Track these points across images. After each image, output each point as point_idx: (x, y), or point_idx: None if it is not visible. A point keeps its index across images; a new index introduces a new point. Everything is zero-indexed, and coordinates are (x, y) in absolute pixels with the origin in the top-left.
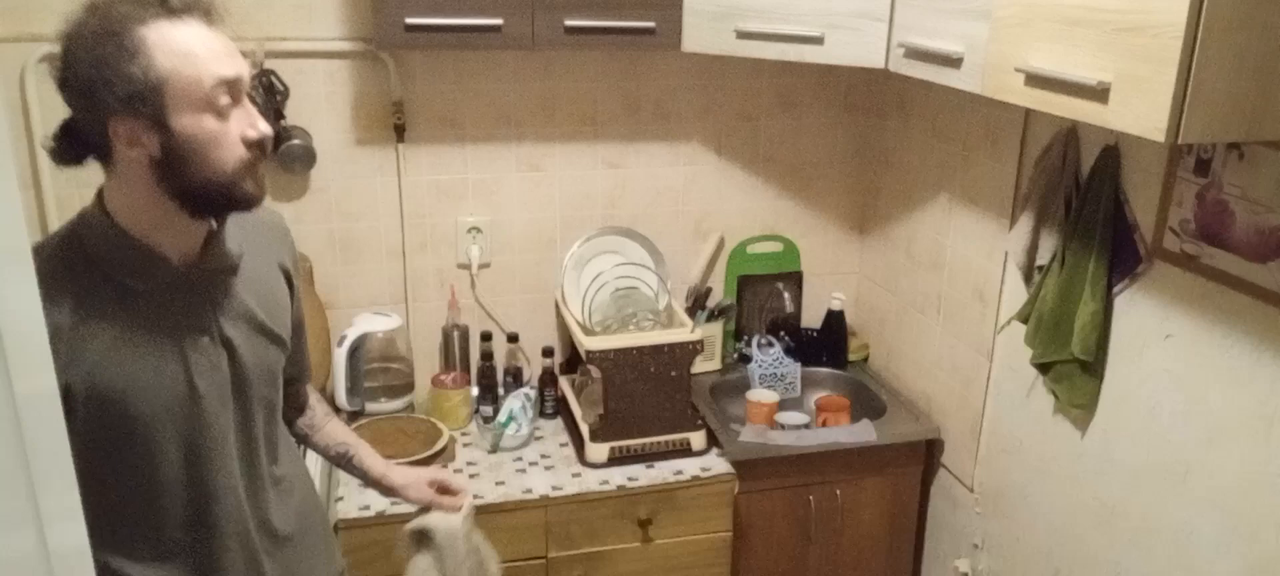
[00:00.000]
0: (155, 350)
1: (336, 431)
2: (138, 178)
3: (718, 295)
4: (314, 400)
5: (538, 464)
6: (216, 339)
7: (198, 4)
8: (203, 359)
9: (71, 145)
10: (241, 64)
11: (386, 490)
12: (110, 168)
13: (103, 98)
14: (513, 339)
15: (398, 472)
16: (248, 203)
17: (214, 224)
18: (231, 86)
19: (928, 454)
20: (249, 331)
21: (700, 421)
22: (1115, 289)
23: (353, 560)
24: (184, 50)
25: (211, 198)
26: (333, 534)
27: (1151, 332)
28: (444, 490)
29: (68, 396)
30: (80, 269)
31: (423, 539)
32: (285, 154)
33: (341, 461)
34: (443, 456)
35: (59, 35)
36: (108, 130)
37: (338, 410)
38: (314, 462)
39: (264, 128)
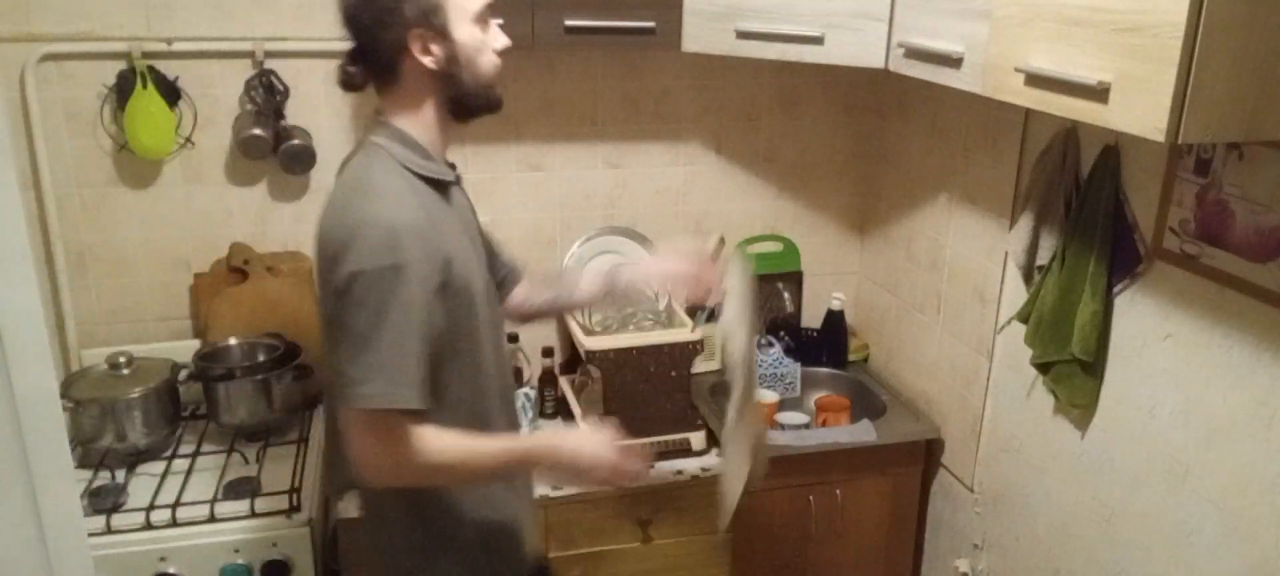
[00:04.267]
0: (467, 241)
1: (587, 275)
2: (424, 89)
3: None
4: (562, 274)
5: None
6: (478, 232)
7: None
8: (478, 250)
9: (360, 71)
10: None
11: (661, 281)
12: (394, 85)
13: (405, 13)
14: (513, 339)
15: (660, 263)
16: (499, 104)
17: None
18: (491, 6)
19: (928, 454)
20: (477, 229)
21: (700, 421)
22: (1115, 289)
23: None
24: None
25: (478, 100)
26: None
27: (1151, 332)
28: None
29: (451, 289)
30: (413, 180)
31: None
32: (285, 154)
33: (606, 290)
34: (608, 306)
35: None
36: (406, 44)
37: None
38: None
39: (508, 41)
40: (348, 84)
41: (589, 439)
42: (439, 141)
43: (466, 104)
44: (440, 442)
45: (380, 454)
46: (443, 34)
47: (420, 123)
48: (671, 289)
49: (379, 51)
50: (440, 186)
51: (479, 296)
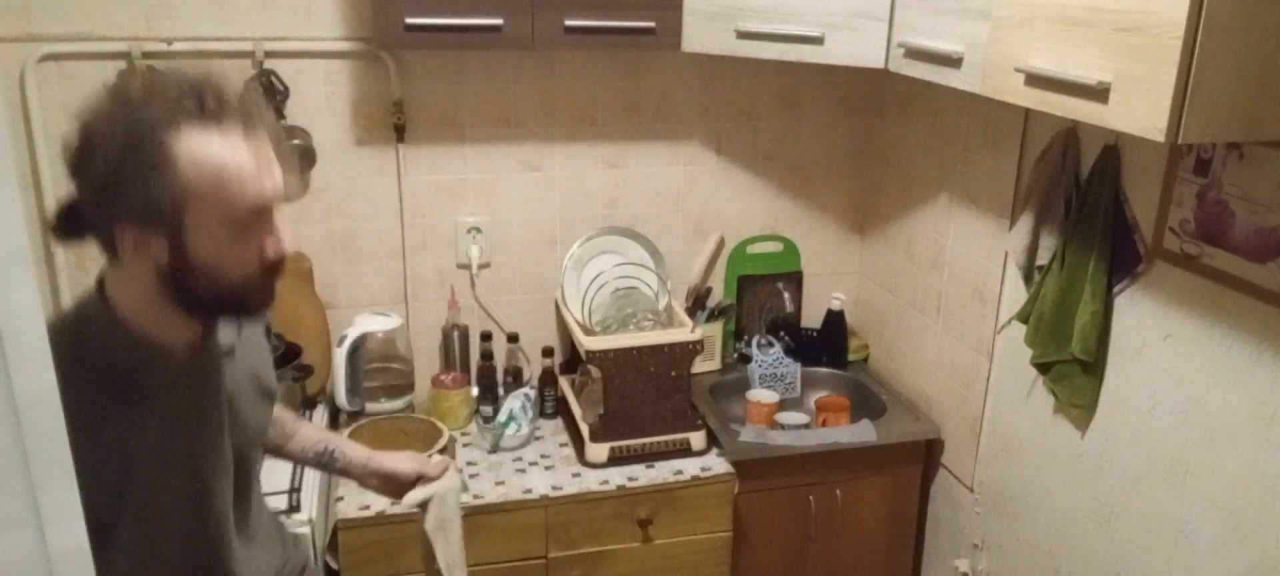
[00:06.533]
0: (167, 443)
1: (311, 433)
2: (141, 278)
3: (718, 295)
4: (277, 410)
5: (538, 464)
6: (222, 419)
7: (237, 108)
8: (208, 443)
9: (74, 225)
10: (277, 179)
11: (374, 476)
12: (111, 258)
13: (115, 203)
14: (513, 339)
15: (383, 454)
16: (254, 311)
17: None
18: (262, 211)
19: (928, 454)
20: (252, 397)
21: (700, 421)
22: (1115, 289)
23: (352, 560)
24: (214, 170)
25: (217, 307)
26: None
27: (1151, 332)
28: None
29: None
30: (90, 365)
31: (427, 504)
32: None
33: (323, 461)
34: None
35: (78, 116)
36: (115, 233)
37: (337, 410)
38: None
39: (287, 246)
40: (56, 234)
41: None
42: (172, 328)
43: (202, 309)
44: None
45: None
46: (170, 241)
47: (140, 308)
48: (377, 485)
49: (91, 225)
50: (146, 387)
51: (165, 511)
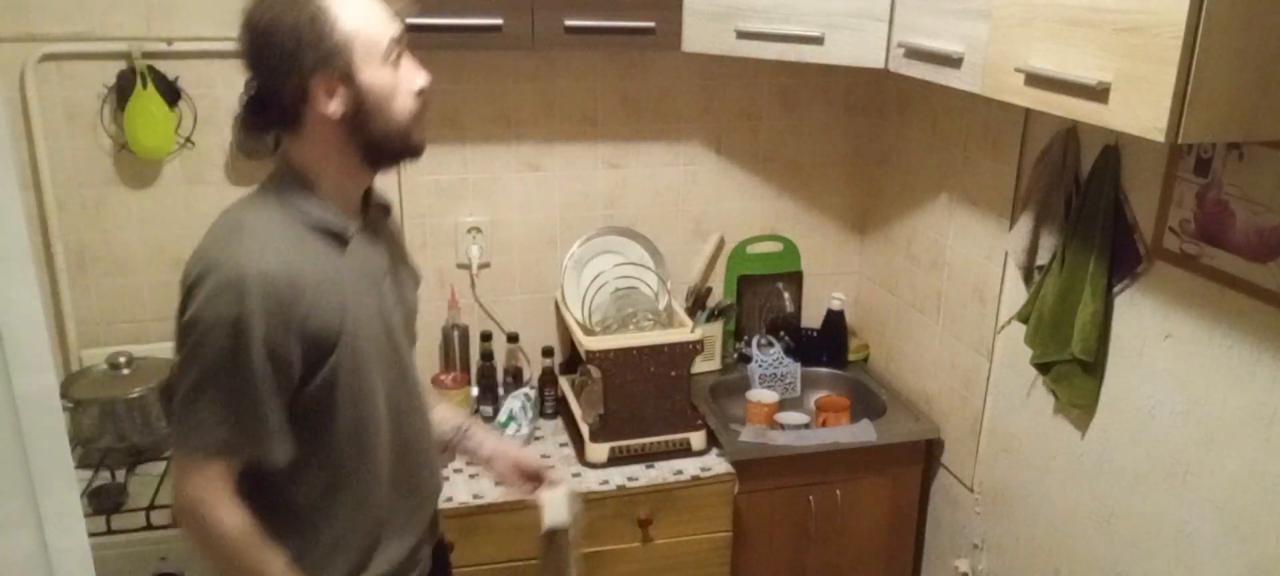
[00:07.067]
0: (364, 294)
1: (445, 411)
2: (328, 134)
3: (718, 295)
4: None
5: None
6: (393, 281)
7: None
8: (387, 301)
9: (261, 117)
10: (400, 23)
11: (501, 462)
12: (298, 131)
13: (304, 59)
14: (513, 339)
15: (512, 445)
16: (417, 151)
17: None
18: (399, 42)
19: (928, 454)
20: (403, 273)
21: (700, 421)
22: (1115, 289)
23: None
24: (360, 13)
25: (391, 146)
26: None
27: (1151, 333)
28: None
29: (314, 346)
30: (302, 230)
31: (554, 533)
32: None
33: (455, 440)
34: (443, 456)
35: (245, 17)
36: (309, 90)
37: None
38: None
39: (427, 78)
40: (246, 128)
41: None
42: (348, 189)
43: (379, 152)
44: (233, 522)
45: (181, 497)
46: (347, 79)
47: (324, 171)
48: (505, 478)
49: (280, 99)
50: (335, 238)
51: (371, 353)
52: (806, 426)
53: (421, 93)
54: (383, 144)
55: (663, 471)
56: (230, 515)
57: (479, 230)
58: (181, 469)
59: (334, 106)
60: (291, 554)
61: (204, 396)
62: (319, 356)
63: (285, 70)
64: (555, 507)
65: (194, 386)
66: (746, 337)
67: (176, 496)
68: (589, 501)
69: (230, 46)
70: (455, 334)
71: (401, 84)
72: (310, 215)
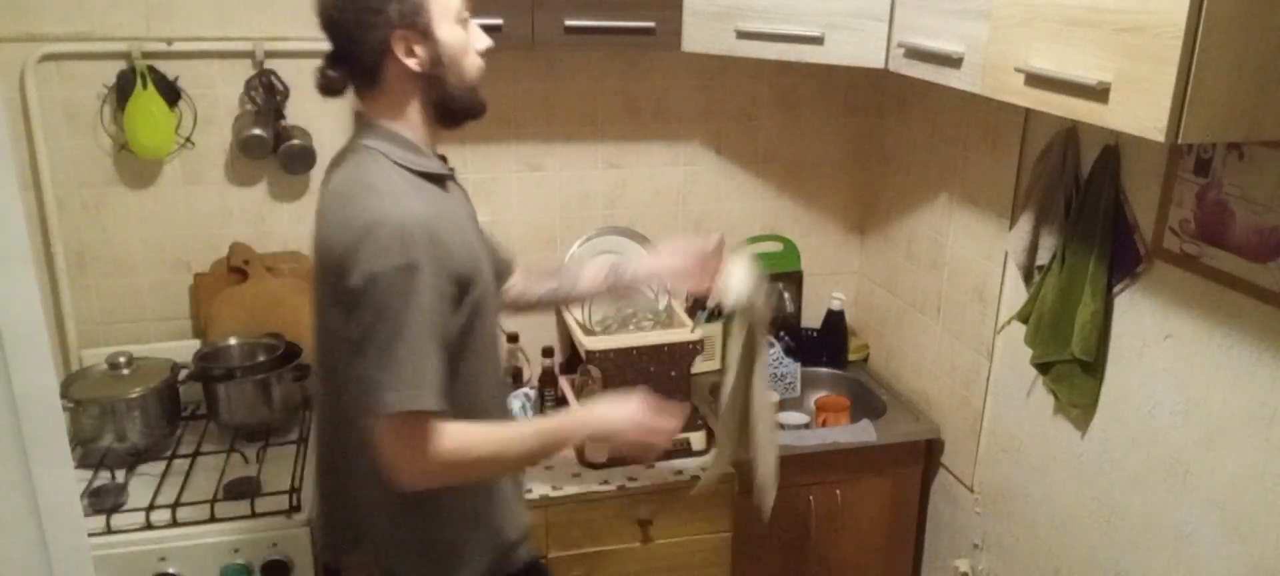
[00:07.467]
0: (472, 232)
1: (591, 268)
2: (408, 92)
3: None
4: (566, 264)
5: (537, 464)
6: (478, 225)
7: None
8: (482, 241)
9: (341, 74)
10: None
11: (666, 277)
12: (376, 87)
13: (382, 22)
14: (513, 339)
15: (664, 254)
16: (482, 109)
17: None
18: (468, 5)
19: (928, 454)
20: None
21: (700, 421)
22: (1115, 289)
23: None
24: None
25: (462, 103)
26: None
27: (1151, 332)
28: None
29: (462, 287)
30: (415, 178)
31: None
32: (285, 154)
33: (612, 282)
34: (617, 303)
35: None
36: (390, 46)
37: None
38: None
39: (490, 41)
40: (327, 89)
41: (616, 406)
42: (428, 142)
43: (451, 107)
44: (469, 437)
45: (412, 459)
46: (426, 34)
47: (407, 125)
48: (675, 284)
49: (361, 54)
50: (438, 180)
51: (487, 288)
52: (806, 426)
53: (486, 54)
54: (454, 100)
55: (663, 471)
56: (452, 438)
57: None
58: (397, 431)
59: (413, 61)
60: (465, 512)
61: (399, 346)
62: (462, 295)
63: (370, 24)
64: (739, 282)
65: (386, 342)
66: None
67: (412, 461)
68: (589, 501)
69: (230, 46)
70: None
71: (470, 44)
72: (417, 163)
